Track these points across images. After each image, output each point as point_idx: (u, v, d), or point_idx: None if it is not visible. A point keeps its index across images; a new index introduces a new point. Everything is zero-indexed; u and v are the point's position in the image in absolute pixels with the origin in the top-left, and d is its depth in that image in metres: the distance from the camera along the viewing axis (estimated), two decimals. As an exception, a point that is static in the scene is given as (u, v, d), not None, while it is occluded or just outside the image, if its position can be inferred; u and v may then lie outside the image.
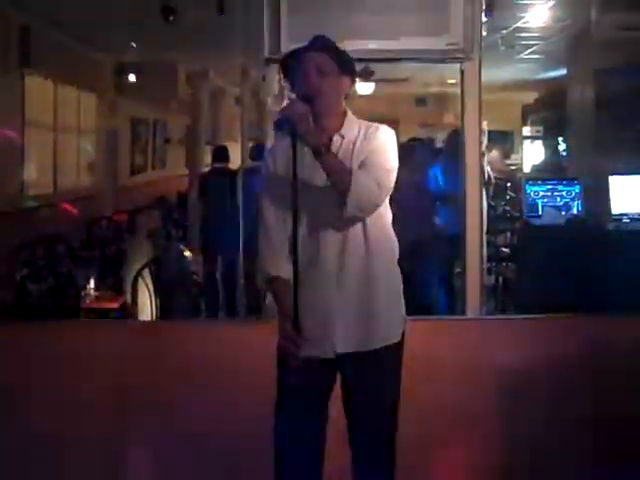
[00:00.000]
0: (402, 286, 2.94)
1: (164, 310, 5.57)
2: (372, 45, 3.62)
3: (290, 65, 2.85)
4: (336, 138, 2.82)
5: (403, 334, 2.90)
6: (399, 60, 3.91)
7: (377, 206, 2.79)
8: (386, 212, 2.90)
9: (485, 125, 3.93)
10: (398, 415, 2.90)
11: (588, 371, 3.74)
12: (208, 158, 11.55)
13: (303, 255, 2.75)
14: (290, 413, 2.83)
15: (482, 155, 3.97)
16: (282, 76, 2.94)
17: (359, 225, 2.79)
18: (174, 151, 14.21)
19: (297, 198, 2.68)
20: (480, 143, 3.90)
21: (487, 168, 9.17)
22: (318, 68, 2.76)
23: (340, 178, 2.69)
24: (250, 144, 7.54)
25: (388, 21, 3.74)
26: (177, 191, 11.82)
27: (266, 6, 3.80)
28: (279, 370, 2.83)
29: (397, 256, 2.93)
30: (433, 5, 3.82)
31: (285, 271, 2.78)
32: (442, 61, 3.94)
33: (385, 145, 2.81)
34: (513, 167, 13.16)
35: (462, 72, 3.92)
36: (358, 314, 2.80)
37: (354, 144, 2.80)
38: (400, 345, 2.89)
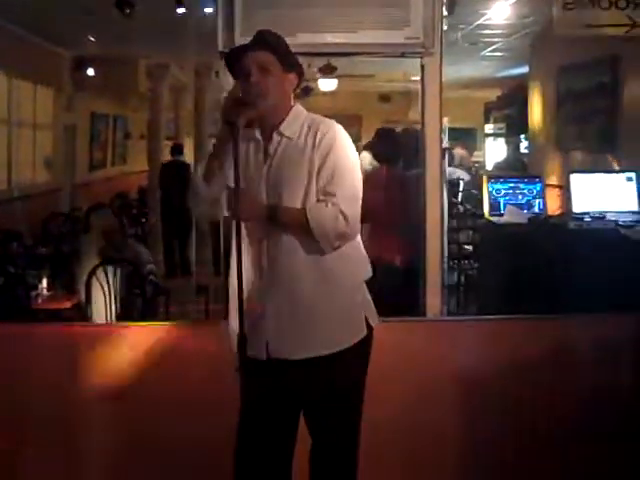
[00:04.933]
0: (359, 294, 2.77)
1: (118, 311, 5.43)
2: (329, 39, 3.50)
3: (233, 64, 2.72)
4: (275, 136, 2.71)
5: (362, 342, 2.73)
6: (357, 54, 3.80)
7: (349, 236, 2.66)
8: None
9: (446, 122, 3.84)
10: (357, 428, 2.79)
11: (550, 374, 3.67)
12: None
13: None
14: (252, 419, 2.74)
15: (443, 152, 3.87)
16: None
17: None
18: (135, 146, 14.01)
19: (239, 201, 2.56)
20: (441, 140, 3.82)
21: (457, 171, 9.16)
22: (261, 67, 2.64)
23: (299, 228, 2.60)
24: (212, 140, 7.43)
25: (346, 14, 3.60)
26: (138, 186, 11.64)
27: (220, -2, 3.65)
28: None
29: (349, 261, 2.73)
30: (393, -2, 3.71)
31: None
32: (401, 55, 3.84)
33: (343, 160, 2.65)
34: (476, 164, 13.16)
35: (422, 67, 3.82)
36: (289, 319, 2.67)
37: (297, 140, 2.68)
38: (350, 351, 2.70)
